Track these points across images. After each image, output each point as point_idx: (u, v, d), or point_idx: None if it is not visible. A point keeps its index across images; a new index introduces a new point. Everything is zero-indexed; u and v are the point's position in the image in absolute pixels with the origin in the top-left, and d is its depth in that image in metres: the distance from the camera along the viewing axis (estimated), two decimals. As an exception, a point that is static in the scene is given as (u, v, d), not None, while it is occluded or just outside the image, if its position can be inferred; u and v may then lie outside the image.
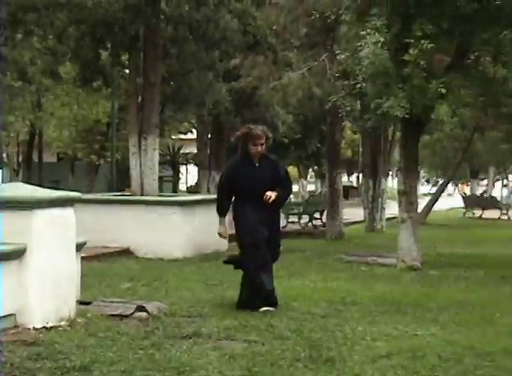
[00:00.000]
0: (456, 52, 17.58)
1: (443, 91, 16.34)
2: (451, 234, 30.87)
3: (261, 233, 11.52)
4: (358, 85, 17.70)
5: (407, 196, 17.59)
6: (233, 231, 12.00)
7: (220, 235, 12.30)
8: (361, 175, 35.39)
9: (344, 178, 47.78)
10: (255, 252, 11.44)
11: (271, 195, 11.38)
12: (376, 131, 29.80)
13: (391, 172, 34.47)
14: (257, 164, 11.76)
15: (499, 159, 51.46)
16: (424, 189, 63.51)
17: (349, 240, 24.86)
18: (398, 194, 17.94)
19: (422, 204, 30.44)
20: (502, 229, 35.58)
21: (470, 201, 50.44)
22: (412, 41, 16.09)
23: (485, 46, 17.52)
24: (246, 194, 11.62)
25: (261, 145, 11.55)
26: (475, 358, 8.46)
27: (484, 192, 63.18)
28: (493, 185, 70.89)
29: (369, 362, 8.06)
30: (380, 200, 30.95)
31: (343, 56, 18.25)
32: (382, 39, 15.94)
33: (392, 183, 51.27)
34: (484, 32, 17.10)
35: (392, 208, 26.61)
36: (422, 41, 15.92)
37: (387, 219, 30.44)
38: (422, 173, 57.79)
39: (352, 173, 68.22)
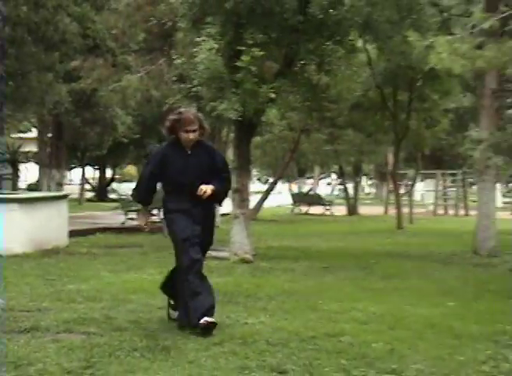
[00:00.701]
0: (284, 60, 17.88)
1: (273, 95, 16.60)
2: (280, 229, 31.23)
3: (195, 230, 9.48)
4: (194, 89, 17.75)
5: (240, 193, 17.76)
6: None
7: (140, 226, 10.80)
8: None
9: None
10: (188, 249, 9.45)
11: (206, 189, 9.32)
12: (211, 133, 29.90)
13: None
14: (189, 152, 9.58)
15: (323, 159, 52.29)
16: (256, 187, 63.83)
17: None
18: (232, 192, 18.03)
19: (254, 201, 30.65)
20: (326, 224, 36.22)
21: (298, 198, 51.13)
22: (244, 48, 16.30)
23: (310, 55, 17.91)
24: (177, 187, 9.53)
25: (194, 131, 9.37)
26: (300, 342, 8.64)
27: (310, 190, 64.13)
28: (318, 183, 72.07)
29: (202, 349, 8.10)
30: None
31: (179, 61, 18.24)
32: (216, 46, 16.11)
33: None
34: (309, 42, 17.52)
35: (225, 205, 26.72)
36: (253, 49, 16.15)
37: (222, 215, 30.52)
38: (254, 172, 58.08)
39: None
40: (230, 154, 29.20)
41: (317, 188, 68.99)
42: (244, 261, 16.96)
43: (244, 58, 16.27)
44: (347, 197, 50.23)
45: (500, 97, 19.80)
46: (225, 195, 10.14)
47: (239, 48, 16.47)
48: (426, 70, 25.31)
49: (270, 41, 17.21)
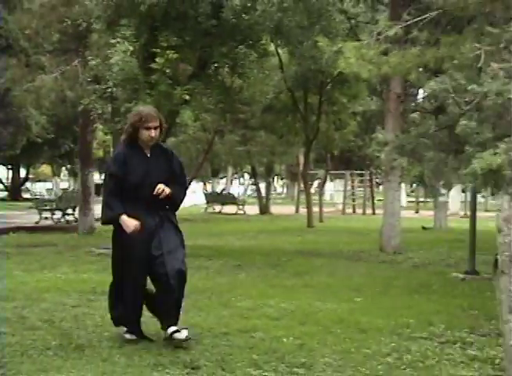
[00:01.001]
0: (198, 63, 17.94)
1: (187, 97, 16.68)
2: (194, 228, 31.12)
3: (145, 249, 8.40)
4: (109, 90, 17.69)
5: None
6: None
7: (134, 231, 8.29)
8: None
9: (96, 177, 47.33)
10: (130, 272, 8.49)
11: (163, 188, 8.34)
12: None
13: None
14: (149, 155, 8.59)
15: (236, 160, 52.34)
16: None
17: (100, 233, 24.65)
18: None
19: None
20: (239, 223, 36.28)
21: (211, 198, 51.11)
22: (159, 50, 16.34)
23: (223, 58, 18.00)
24: (134, 193, 8.35)
25: (155, 129, 8.39)
26: (213, 338, 8.70)
27: (224, 189, 64.21)
28: (231, 183, 72.16)
29: (116, 347, 8.10)
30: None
31: (94, 62, 18.12)
32: (131, 48, 16.10)
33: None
34: (223, 46, 17.61)
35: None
36: (167, 52, 16.24)
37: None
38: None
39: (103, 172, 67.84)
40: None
41: (230, 188, 69.03)
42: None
43: (159, 60, 16.33)
44: (259, 197, 50.40)
45: (404, 101, 20.12)
46: (181, 202, 9.22)
47: (153, 50, 16.54)
48: (335, 75, 25.71)
49: (184, 44, 17.27)
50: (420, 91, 25.92)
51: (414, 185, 48.39)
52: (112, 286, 8.90)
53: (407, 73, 16.82)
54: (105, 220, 8.62)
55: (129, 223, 8.24)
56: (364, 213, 47.94)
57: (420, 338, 9.08)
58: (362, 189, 51.68)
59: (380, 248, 20.24)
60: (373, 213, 45.65)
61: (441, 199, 31.45)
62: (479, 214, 17.08)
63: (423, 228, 29.74)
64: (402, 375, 7.43)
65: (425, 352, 8.36)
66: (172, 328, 8.34)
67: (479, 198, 17.75)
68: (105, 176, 8.70)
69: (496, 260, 7.61)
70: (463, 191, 26.41)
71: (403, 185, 31.61)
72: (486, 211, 35.51)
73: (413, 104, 19.88)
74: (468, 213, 18.36)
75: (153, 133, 8.39)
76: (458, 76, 6.69)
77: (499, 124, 6.53)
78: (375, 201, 47.79)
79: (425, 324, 9.79)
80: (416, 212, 46.97)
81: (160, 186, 8.32)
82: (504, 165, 5.96)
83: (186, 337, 8.21)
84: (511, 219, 7.33)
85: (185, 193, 9.24)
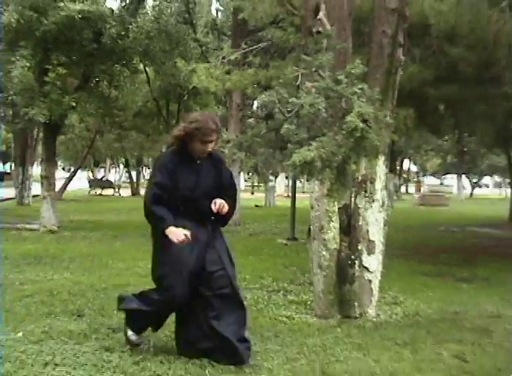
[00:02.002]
0: (82, 77, 17.71)
1: (74, 104, 16.50)
2: (79, 207, 30.68)
3: (192, 265, 5.82)
4: (10, 97, 17.29)
5: (48, 179, 17.39)
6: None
7: (183, 241, 5.65)
8: (13, 164, 34.30)
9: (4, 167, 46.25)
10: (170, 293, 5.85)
11: (224, 205, 5.83)
12: (24, 132, 29.01)
13: (36, 162, 33.75)
14: (198, 162, 5.98)
15: (113, 153, 51.99)
16: (60, 174, 62.39)
17: (2, 212, 24.02)
18: (41, 178, 17.64)
19: (59, 185, 29.95)
20: (115, 203, 35.94)
21: (93, 183, 50.53)
22: (51, 67, 16.17)
23: (103, 74, 17.94)
24: (184, 205, 5.87)
25: (211, 142, 5.90)
26: (94, 292, 8.62)
27: (103, 176, 63.64)
28: (109, 171, 71.35)
29: (17, 300, 7.92)
30: (27, 182, 30.23)
31: (-2, 75, 17.62)
32: (28, 64, 15.82)
33: (37, 170, 50.17)
34: (102, 64, 17.52)
35: (37, 188, 26.02)
36: (58, 68, 16.18)
37: (34, 196, 29.70)
38: (59, 163, 56.76)
39: (6, 162, 65.43)
40: (40, 149, 28.48)
41: (108, 175, 68.28)
42: (51, 231, 16.62)
43: (51, 75, 16.20)
44: (131, 182, 50.20)
45: (243, 109, 20.34)
46: (230, 218, 6.26)
47: (46, 66, 16.35)
48: (190, 88, 25.65)
49: (71, 63, 17.20)
50: (255, 102, 26.30)
51: (250, 173, 48.89)
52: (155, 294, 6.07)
53: (245, 88, 17.05)
54: (163, 231, 5.79)
55: (178, 233, 5.68)
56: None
57: (254, 288, 9.25)
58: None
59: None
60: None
61: (270, 184, 32.03)
62: (298, 195, 17.43)
63: (256, 206, 30.12)
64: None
65: (257, 299, 8.53)
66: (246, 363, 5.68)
67: (298, 183, 18.08)
68: (148, 186, 6.12)
69: (309, 229, 7.84)
70: (287, 177, 26.88)
71: (242, 173, 31.98)
72: (303, 192, 36.28)
73: (249, 112, 20.13)
74: (290, 194, 18.72)
75: (209, 148, 5.90)
76: (282, 91, 6.79)
77: (312, 128, 6.69)
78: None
79: (257, 278, 9.96)
80: (252, 194, 47.46)
81: (221, 203, 5.83)
82: (315, 158, 6.12)
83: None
84: (320, 199, 7.55)
85: (235, 207, 6.22)
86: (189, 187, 5.85)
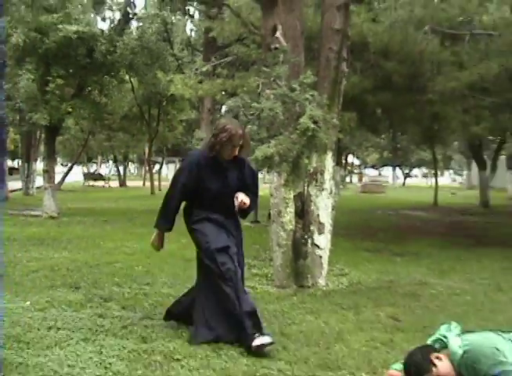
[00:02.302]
0: (77, 86, 17.54)
1: (70, 109, 16.46)
2: (76, 196, 30.42)
3: (230, 241, 5.42)
4: (17, 105, 17.31)
5: (49, 173, 17.18)
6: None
7: (152, 245, 5.84)
8: (20, 161, 33.98)
9: (9, 163, 45.60)
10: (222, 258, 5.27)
11: (246, 201, 5.39)
12: (29, 133, 28.71)
13: (39, 158, 33.45)
14: (225, 164, 5.47)
15: (104, 151, 51.31)
16: (59, 169, 61.79)
17: (11, 201, 23.67)
18: (43, 172, 17.48)
19: (58, 177, 29.62)
20: (106, 193, 35.81)
21: (87, 176, 50.25)
22: (51, 78, 16.02)
23: (95, 84, 17.91)
24: (209, 201, 5.43)
25: (238, 146, 5.46)
26: (89, 268, 8.55)
27: (95, 170, 63.12)
28: (100, 166, 70.73)
29: (24, 275, 7.83)
30: (32, 175, 29.97)
31: (7, 86, 17.36)
32: (32, 77, 15.74)
33: (40, 165, 49.65)
34: (94, 76, 17.46)
35: (40, 181, 25.74)
36: (57, 79, 16.00)
37: (37, 188, 29.39)
38: (58, 159, 56.06)
39: (14, 159, 64.45)
40: (42, 148, 28.21)
41: (100, 169, 67.72)
42: (52, 217, 16.45)
43: (51, 85, 16.07)
44: (119, 175, 49.86)
45: (213, 113, 20.30)
46: (251, 211, 5.87)
47: (47, 78, 16.17)
48: (168, 95, 25.57)
49: (68, 74, 17.07)
50: (223, 106, 26.21)
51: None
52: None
53: (214, 95, 17.03)
54: (155, 225, 5.74)
55: (156, 241, 5.75)
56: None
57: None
58: None
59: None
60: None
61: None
62: (260, 185, 17.40)
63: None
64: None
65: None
66: (259, 340, 4.97)
67: (260, 175, 18.06)
68: (172, 181, 5.63)
69: (269, 213, 7.86)
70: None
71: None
72: (265, 182, 36.28)
73: (219, 115, 20.06)
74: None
75: (236, 152, 5.46)
76: (246, 97, 6.79)
77: (271, 128, 6.69)
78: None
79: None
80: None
81: (242, 199, 5.38)
82: (274, 154, 6.11)
83: (267, 343, 4.98)
84: (278, 188, 7.57)
85: (256, 203, 5.81)
86: (217, 188, 5.39)
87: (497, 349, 4.09)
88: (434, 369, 4.06)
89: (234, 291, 5.16)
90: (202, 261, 5.49)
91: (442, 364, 4.10)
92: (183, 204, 5.60)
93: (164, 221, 5.66)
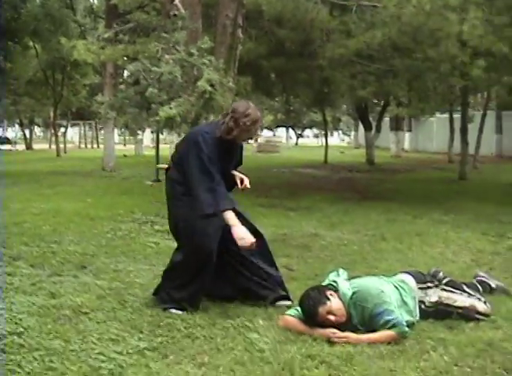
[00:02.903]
0: None
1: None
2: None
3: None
4: None
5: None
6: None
7: (246, 245, 4.52)
8: None
9: None
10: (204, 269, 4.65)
11: (247, 184, 4.95)
12: None
13: None
14: (230, 144, 4.73)
15: (9, 115, 49.30)
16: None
17: None
18: None
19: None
20: (12, 156, 34.33)
21: None
22: None
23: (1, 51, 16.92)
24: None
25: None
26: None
27: (3, 134, 60.51)
28: (7, 130, 67.94)
29: None
30: None
31: None
32: None
33: None
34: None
35: None
36: None
37: None
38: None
39: None
40: None
41: (6, 133, 65.00)
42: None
43: None
44: (25, 139, 48.18)
45: (115, 77, 19.88)
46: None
47: None
48: (72, 61, 24.76)
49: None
50: (125, 71, 25.64)
51: (122, 129, 47.88)
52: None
53: (116, 60, 16.60)
54: (223, 210, 4.51)
55: (247, 236, 4.51)
56: (92, 147, 47.51)
57: (127, 221, 9.08)
58: (90, 131, 51.77)
59: (102, 168, 19.87)
60: (98, 147, 44.89)
61: (138, 137, 31.48)
62: (161, 145, 17.18)
63: (125, 156, 29.34)
64: (117, 243, 7.45)
65: (130, 229, 8.42)
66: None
67: (161, 136, 17.90)
68: (195, 159, 4.54)
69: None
70: (152, 132, 26.53)
71: (115, 129, 31.17)
72: (165, 143, 35.94)
73: (121, 79, 19.62)
74: (155, 145, 18.36)
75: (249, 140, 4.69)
76: (146, 62, 6.66)
77: (171, 91, 6.60)
78: (99, 139, 47.04)
79: (130, 213, 9.78)
80: (124, 146, 46.55)
81: (246, 183, 4.94)
82: (175, 115, 6.04)
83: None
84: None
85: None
86: (223, 165, 4.65)
87: (382, 291, 4.38)
88: (328, 302, 4.23)
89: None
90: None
91: (335, 299, 4.32)
92: (177, 174, 4.77)
93: (228, 201, 4.61)
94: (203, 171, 4.51)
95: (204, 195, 4.49)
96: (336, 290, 4.42)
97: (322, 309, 4.22)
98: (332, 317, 4.24)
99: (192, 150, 4.60)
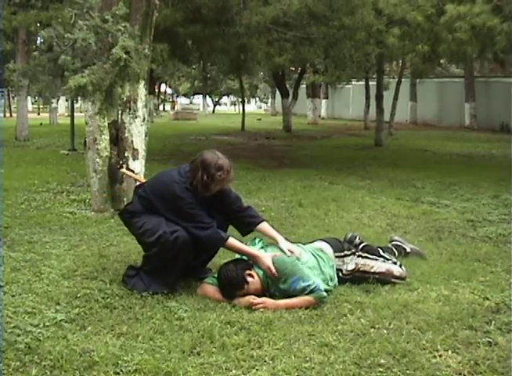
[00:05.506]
0: None
1: None
2: None
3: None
4: None
5: None
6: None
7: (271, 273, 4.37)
8: None
9: None
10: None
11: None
12: None
13: None
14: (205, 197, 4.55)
15: None
16: None
17: None
18: None
19: None
20: None
21: None
22: None
23: None
24: None
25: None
26: None
27: None
28: None
29: None
30: None
31: None
32: None
33: None
34: None
35: None
36: None
37: None
38: None
39: None
40: None
41: None
42: None
43: None
44: None
45: (28, 44, 19.20)
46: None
47: None
48: None
49: None
50: (38, 37, 24.68)
51: (36, 97, 46.27)
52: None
53: (29, 26, 15.98)
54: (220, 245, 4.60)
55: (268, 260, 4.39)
56: (5, 116, 45.49)
57: (42, 191, 8.84)
58: (2, 100, 49.72)
59: (15, 138, 19.08)
60: (11, 116, 43.20)
61: (53, 105, 30.48)
62: (76, 114, 16.70)
63: (41, 124, 27.97)
64: (32, 214, 7.23)
65: (45, 199, 8.22)
66: None
67: (76, 104, 17.40)
68: (181, 209, 4.41)
69: (85, 141, 7.66)
70: (67, 100, 25.68)
71: (29, 97, 29.99)
72: (80, 111, 34.95)
73: (34, 46, 18.89)
74: (69, 113, 17.80)
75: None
76: (59, 28, 6.46)
77: (85, 58, 6.43)
78: (12, 108, 45.15)
79: (44, 183, 9.52)
80: (38, 114, 45.02)
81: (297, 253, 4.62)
82: (88, 83, 5.90)
83: None
84: (93, 116, 7.38)
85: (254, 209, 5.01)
86: (212, 212, 4.55)
87: (297, 258, 4.44)
88: (246, 286, 4.27)
89: None
90: None
91: (253, 281, 4.34)
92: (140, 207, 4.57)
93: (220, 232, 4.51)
94: (195, 220, 4.41)
95: (204, 233, 4.41)
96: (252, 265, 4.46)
97: (239, 292, 4.27)
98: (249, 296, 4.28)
99: (174, 204, 4.45)
